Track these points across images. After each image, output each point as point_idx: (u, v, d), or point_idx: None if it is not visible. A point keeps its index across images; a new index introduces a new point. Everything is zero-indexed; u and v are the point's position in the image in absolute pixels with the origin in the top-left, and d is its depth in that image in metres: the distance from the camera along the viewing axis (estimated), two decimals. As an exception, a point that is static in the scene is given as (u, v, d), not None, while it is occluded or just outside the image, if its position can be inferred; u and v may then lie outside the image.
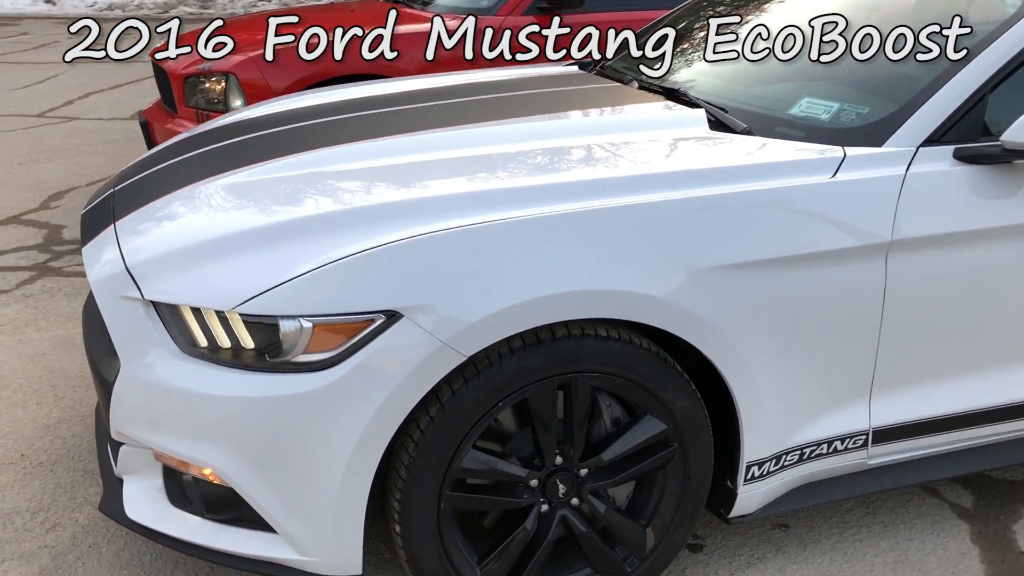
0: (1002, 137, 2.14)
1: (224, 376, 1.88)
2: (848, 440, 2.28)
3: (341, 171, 2.30)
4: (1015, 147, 2.12)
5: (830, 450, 2.27)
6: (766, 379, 2.09)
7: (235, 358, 1.89)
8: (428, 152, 2.36)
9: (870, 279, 2.11)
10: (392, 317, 1.83)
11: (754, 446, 2.16)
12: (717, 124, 2.41)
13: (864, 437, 2.28)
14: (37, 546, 2.44)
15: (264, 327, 1.86)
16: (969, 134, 2.20)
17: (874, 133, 2.22)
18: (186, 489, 2.04)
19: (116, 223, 2.27)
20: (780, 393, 2.13)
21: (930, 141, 2.19)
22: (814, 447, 2.25)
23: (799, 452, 2.24)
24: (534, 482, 2.05)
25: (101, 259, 2.19)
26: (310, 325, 1.82)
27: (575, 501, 2.11)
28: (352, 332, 1.83)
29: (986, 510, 2.61)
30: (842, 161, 2.14)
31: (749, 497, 2.22)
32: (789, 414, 2.17)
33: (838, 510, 2.62)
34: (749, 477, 2.19)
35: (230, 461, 1.90)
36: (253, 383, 1.86)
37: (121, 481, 2.15)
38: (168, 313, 1.96)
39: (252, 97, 4.67)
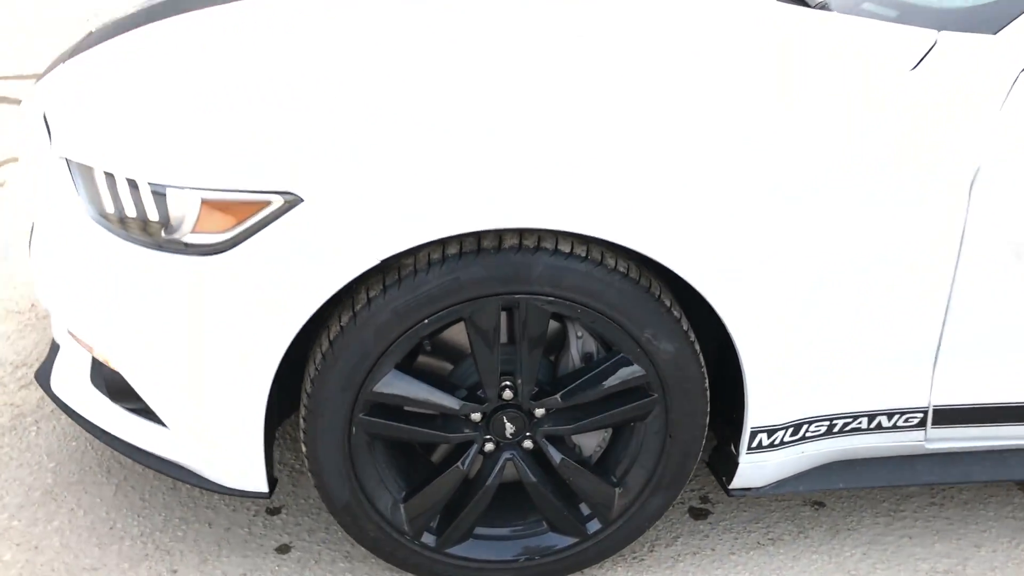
0: None
1: (119, 250, 1.61)
2: (899, 416, 1.78)
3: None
4: None
5: (872, 425, 1.79)
6: (785, 323, 1.63)
7: (137, 231, 1.61)
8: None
9: (946, 204, 1.57)
10: (290, 200, 1.49)
11: (762, 409, 1.71)
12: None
13: (922, 415, 1.78)
14: (4, 402, 2.34)
15: (159, 197, 1.56)
16: None
17: (990, 16, 1.63)
18: (99, 371, 1.83)
19: (63, 63, 2.02)
20: (804, 345, 1.66)
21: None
22: (850, 419, 1.77)
23: (827, 423, 1.77)
24: (476, 416, 1.71)
25: (33, 101, 1.96)
26: (198, 200, 1.52)
27: (528, 444, 1.75)
28: (244, 214, 1.51)
29: (1091, 523, 2.06)
30: (930, 49, 1.58)
31: (755, 468, 1.79)
32: (815, 374, 1.70)
33: (894, 495, 2.12)
34: (755, 445, 1.75)
35: (115, 344, 1.67)
36: (143, 261, 1.58)
37: (58, 349, 1.98)
38: (79, 172, 1.71)
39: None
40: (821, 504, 2.09)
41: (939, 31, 1.62)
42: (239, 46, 1.87)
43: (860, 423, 1.78)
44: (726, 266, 1.56)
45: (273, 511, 2.04)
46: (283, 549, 1.94)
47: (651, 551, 1.95)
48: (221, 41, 1.91)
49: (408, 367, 1.68)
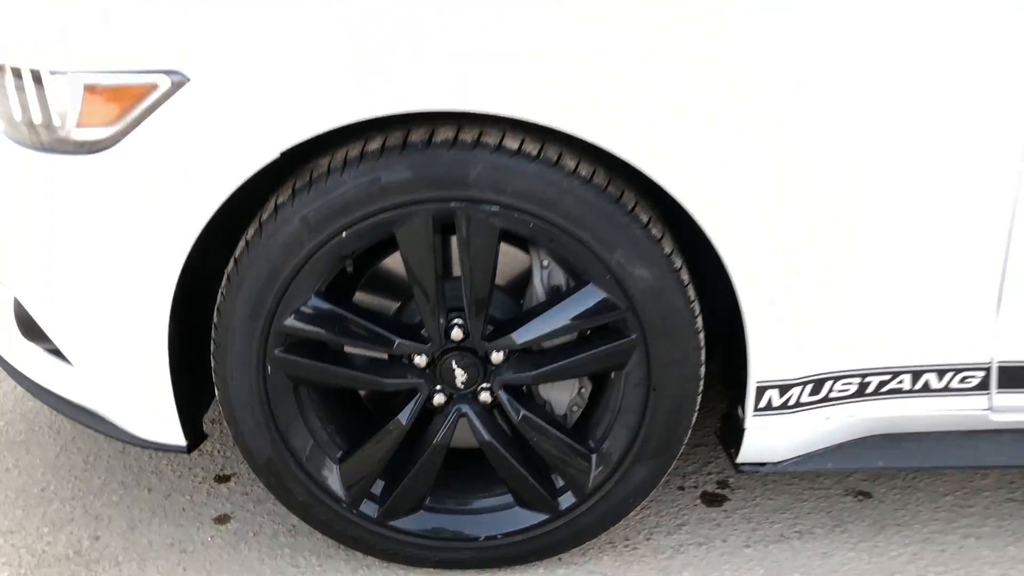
0: None
1: (13, 156, 1.41)
2: (952, 374, 1.41)
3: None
4: None
5: (918, 386, 1.42)
6: (794, 243, 1.29)
7: (27, 131, 1.39)
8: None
9: (1002, 118, 1.22)
10: (177, 82, 1.25)
11: (770, 358, 1.37)
12: None
13: (983, 373, 1.41)
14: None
15: (39, 87, 1.34)
16: None
17: None
18: (17, 307, 1.64)
19: None
20: (823, 277, 1.32)
21: None
22: (887, 377, 1.41)
23: (858, 380, 1.41)
24: (421, 361, 1.43)
25: None
26: (80, 86, 1.30)
27: (485, 397, 1.45)
28: (130, 100, 1.28)
29: None
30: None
31: (767, 437, 1.45)
32: (840, 316, 1.35)
33: (961, 486, 1.73)
34: (764, 406, 1.41)
35: (13, 267, 1.46)
36: (33, 166, 1.37)
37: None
38: None
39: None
40: (867, 495, 1.72)
41: None
42: None
43: (901, 382, 1.42)
44: (711, 165, 1.24)
45: (222, 479, 1.80)
46: (222, 519, 1.69)
47: (648, 538, 1.62)
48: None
49: (342, 299, 1.42)
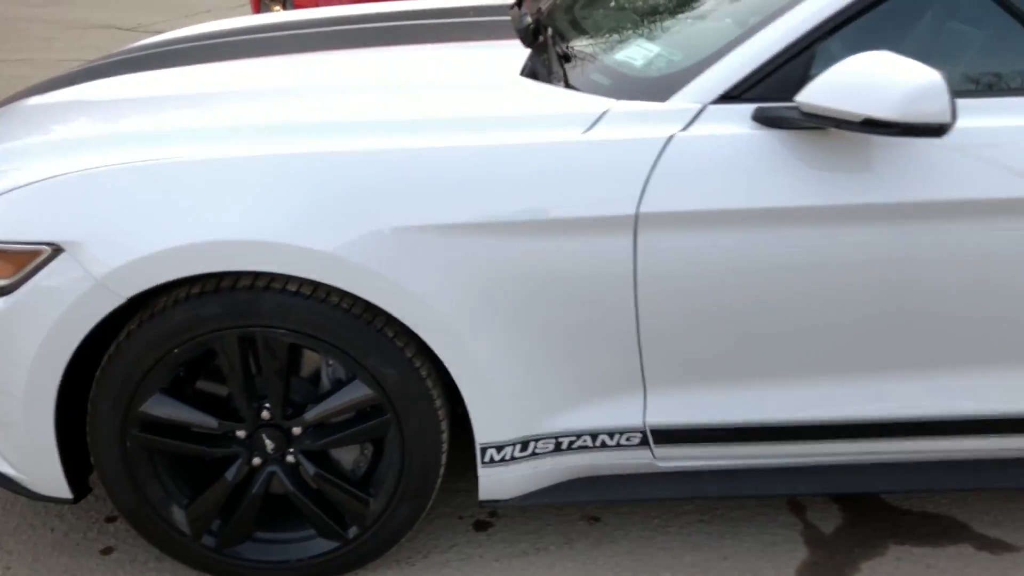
0: (797, 97, 1.73)
1: None
2: (620, 436, 2.00)
3: (96, 100, 2.27)
4: (813, 110, 1.71)
5: (597, 444, 2.01)
6: (495, 357, 1.87)
7: None
8: (212, 82, 2.29)
9: (618, 255, 1.81)
10: (56, 251, 1.80)
11: (488, 428, 1.95)
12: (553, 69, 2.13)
13: (640, 435, 1.99)
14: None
15: None
16: (783, 92, 1.80)
17: (664, 85, 1.87)
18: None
19: None
20: (517, 374, 1.90)
21: (728, 98, 1.82)
22: (574, 438, 1.99)
23: (554, 441, 1.99)
24: (241, 434, 1.98)
25: None
26: None
27: (290, 459, 2.01)
28: (23, 262, 1.83)
29: (844, 540, 2.22)
30: (600, 117, 1.83)
31: (496, 482, 2.02)
32: (534, 398, 1.93)
33: (669, 511, 2.32)
34: (488, 460, 1.99)
35: None
36: None
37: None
38: None
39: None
40: (597, 519, 2.30)
41: (617, 99, 1.87)
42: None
43: (585, 441, 2.01)
44: (417, 298, 1.81)
45: (111, 519, 2.33)
46: (107, 551, 2.23)
47: (425, 556, 2.19)
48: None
49: (185, 391, 1.98)
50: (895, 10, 1.82)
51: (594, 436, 2.00)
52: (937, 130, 1.61)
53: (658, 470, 2.07)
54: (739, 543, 2.21)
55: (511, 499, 2.06)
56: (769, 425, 1.98)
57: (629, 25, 2.22)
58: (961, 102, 1.77)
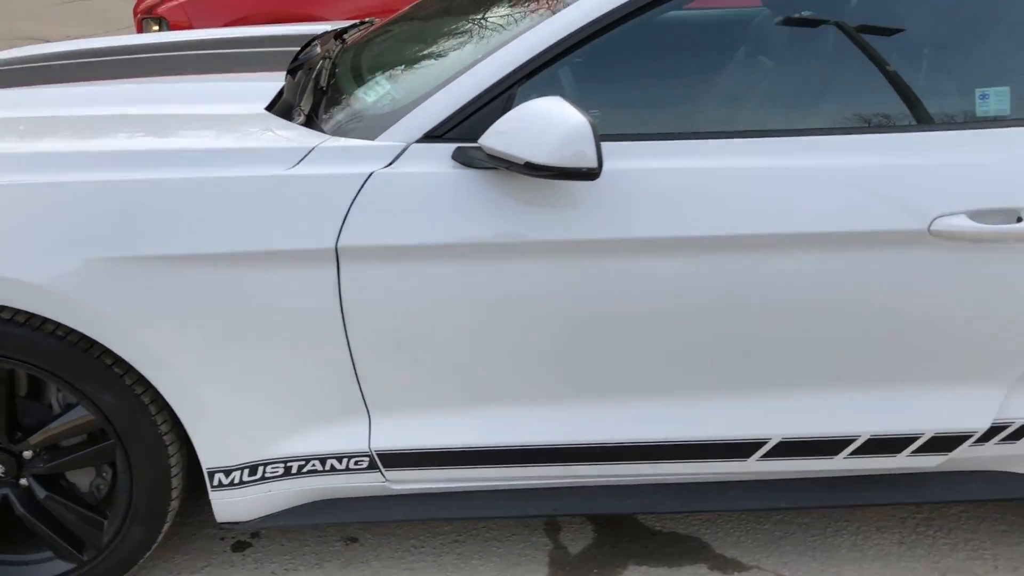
0: (480, 140, 1.82)
1: None
2: (348, 460, 2.06)
3: None
4: (491, 152, 1.80)
5: (327, 468, 2.07)
6: (213, 385, 1.93)
7: None
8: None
9: (323, 288, 1.88)
10: None
11: (214, 453, 2.01)
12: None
13: (368, 459, 2.06)
14: None
15: None
16: (480, 133, 1.87)
17: (378, 123, 1.95)
18: None
19: None
20: (238, 401, 1.96)
21: (432, 137, 1.90)
22: (303, 463, 2.06)
23: (283, 466, 2.05)
24: None
25: None
26: None
27: (24, 483, 2.06)
28: None
29: (587, 561, 2.30)
30: (307, 153, 1.90)
31: (228, 505, 2.07)
32: (258, 424, 1.99)
33: (425, 531, 2.39)
34: (217, 484, 2.04)
35: None
36: None
37: None
38: None
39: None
40: (355, 539, 2.37)
41: (335, 136, 1.95)
42: None
43: (315, 466, 2.07)
44: (128, 329, 1.87)
45: None
46: None
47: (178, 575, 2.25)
48: None
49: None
50: (582, 61, 1.93)
51: (323, 460, 2.06)
52: (587, 174, 1.70)
53: (393, 493, 2.14)
54: (486, 563, 2.29)
55: (249, 522, 2.11)
56: (492, 449, 2.06)
57: (385, 64, 2.30)
58: (642, 145, 1.88)
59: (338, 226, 1.85)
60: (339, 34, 2.91)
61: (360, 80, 2.23)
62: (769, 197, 1.85)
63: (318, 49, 2.66)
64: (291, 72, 2.46)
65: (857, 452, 2.07)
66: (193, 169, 1.88)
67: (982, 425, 2.05)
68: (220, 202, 1.86)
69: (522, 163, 1.72)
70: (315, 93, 2.26)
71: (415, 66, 2.17)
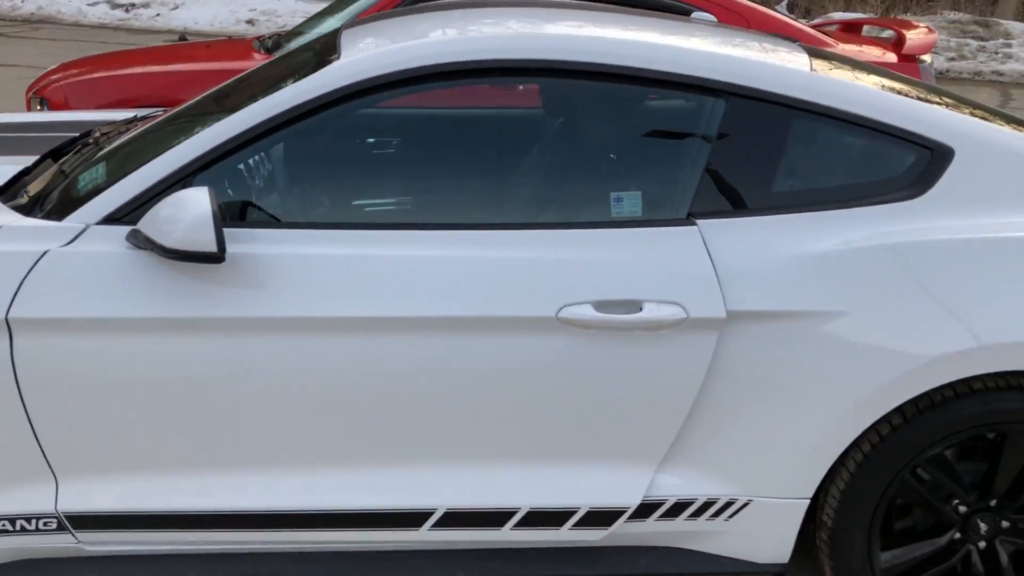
0: (138, 224, 2.00)
1: None
2: (37, 521, 2.17)
3: None
4: (146, 235, 1.97)
5: (17, 528, 2.18)
6: None
7: None
8: None
9: (-1, 357, 2.03)
10: None
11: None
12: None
13: (56, 520, 2.17)
14: None
15: None
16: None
17: (71, 205, 2.12)
18: None
19: None
20: None
21: (112, 220, 2.07)
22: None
23: (-25, 524, 2.17)
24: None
25: None
26: None
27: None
28: None
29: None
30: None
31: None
32: None
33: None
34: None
35: None
36: None
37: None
38: None
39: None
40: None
41: (25, 217, 2.12)
42: None
43: (5, 526, 2.18)
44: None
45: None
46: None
47: None
48: None
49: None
50: (252, 156, 2.13)
51: (12, 521, 2.17)
52: (211, 257, 1.88)
53: (87, 554, 2.25)
54: (191, 627, 2.37)
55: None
56: (176, 514, 2.18)
57: (113, 153, 2.49)
58: (284, 232, 2.07)
59: (10, 298, 2.00)
60: (130, 122, 3.12)
61: (88, 166, 2.42)
62: (404, 283, 2.02)
63: (93, 136, 2.85)
64: (53, 156, 2.65)
65: (521, 524, 2.19)
66: None
67: (633, 501, 2.18)
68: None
69: (160, 247, 1.90)
70: (54, 177, 2.43)
71: (131, 155, 2.36)
